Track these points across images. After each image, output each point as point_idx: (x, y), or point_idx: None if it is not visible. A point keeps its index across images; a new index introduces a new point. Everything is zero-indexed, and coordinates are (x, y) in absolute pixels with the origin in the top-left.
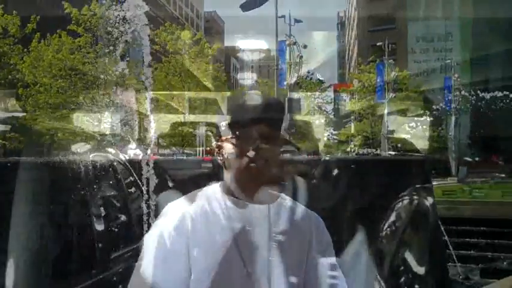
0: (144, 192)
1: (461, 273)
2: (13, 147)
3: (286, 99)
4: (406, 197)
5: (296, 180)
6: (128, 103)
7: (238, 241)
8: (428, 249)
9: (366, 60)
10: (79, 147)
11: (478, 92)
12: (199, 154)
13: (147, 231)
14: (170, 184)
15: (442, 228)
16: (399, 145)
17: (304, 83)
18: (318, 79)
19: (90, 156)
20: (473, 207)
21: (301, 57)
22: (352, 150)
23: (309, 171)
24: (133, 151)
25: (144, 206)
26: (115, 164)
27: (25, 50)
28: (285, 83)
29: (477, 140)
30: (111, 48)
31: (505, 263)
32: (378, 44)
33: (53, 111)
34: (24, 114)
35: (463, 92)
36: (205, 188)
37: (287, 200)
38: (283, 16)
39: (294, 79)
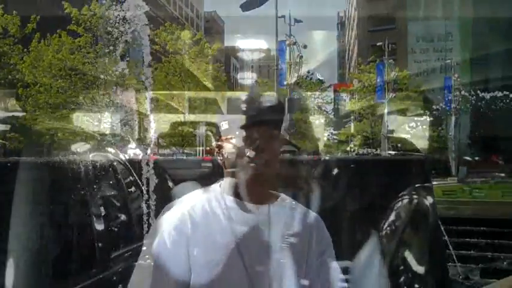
0: (144, 192)
1: (461, 273)
2: (13, 147)
3: (286, 99)
4: (406, 197)
5: (310, 183)
6: (128, 103)
7: (238, 241)
8: (428, 248)
9: (366, 60)
10: (79, 147)
11: (478, 92)
12: (199, 154)
13: (147, 231)
14: (170, 184)
15: (442, 228)
16: (399, 145)
17: (304, 83)
18: (318, 79)
19: (90, 156)
20: (473, 207)
21: (301, 57)
22: (352, 150)
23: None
24: (133, 151)
25: (143, 205)
26: (115, 163)
27: (25, 50)
28: (285, 83)
29: (477, 140)
30: (111, 48)
31: (505, 263)
32: (378, 44)
33: (53, 111)
34: (24, 114)
35: (463, 92)
36: (205, 188)
37: (287, 200)
38: (283, 16)
39: (294, 79)
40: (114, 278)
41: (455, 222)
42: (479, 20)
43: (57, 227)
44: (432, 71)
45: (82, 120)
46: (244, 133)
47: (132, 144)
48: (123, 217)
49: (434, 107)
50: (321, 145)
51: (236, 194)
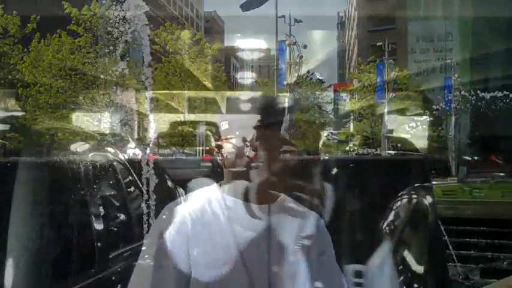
0: (143, 191)
1: (461, 273)
2: (13, 147)
3: (286, 99)
4: (405, 196)
5: (324, 186)
6: (128, 103)
7: (238, 241)
8: (427, 248)
9: (366, 60)
10: (78, 147)
11: (478, 92)
12: (199, 154)
13: (146, 230)
14: (169, 184)
15: (442, 228)
16: (399, 145)
17: (304, 83)
18: (318, 79)
19: (89, 155)
20: (473, 207)
21: (301, 57)
22: (352, 150)
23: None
24: (132, 151)
25: (143, 205)
26: (114, 163)
27: (25, 50)
28: (285, 83)
29: (477, 140)
30: (111, 48)
31: (505, 263)
32: (378, 44)
33: (52, 111)
34: (24, 114)
35: (463, 92)
36: (205, 188)
37: (287, 200)
38: (283, 16)
39: (294, 79)
40: (114, 277)
41: (455, 222)
42: (479, 20)
43: (56, 227)
44: (432, 71)
45: (82, 120)
46: (256, 133)
47: (132, 144)
48: (122, 217)
49: (434, 107)
50: (320, 145)
51: (236, 194)
